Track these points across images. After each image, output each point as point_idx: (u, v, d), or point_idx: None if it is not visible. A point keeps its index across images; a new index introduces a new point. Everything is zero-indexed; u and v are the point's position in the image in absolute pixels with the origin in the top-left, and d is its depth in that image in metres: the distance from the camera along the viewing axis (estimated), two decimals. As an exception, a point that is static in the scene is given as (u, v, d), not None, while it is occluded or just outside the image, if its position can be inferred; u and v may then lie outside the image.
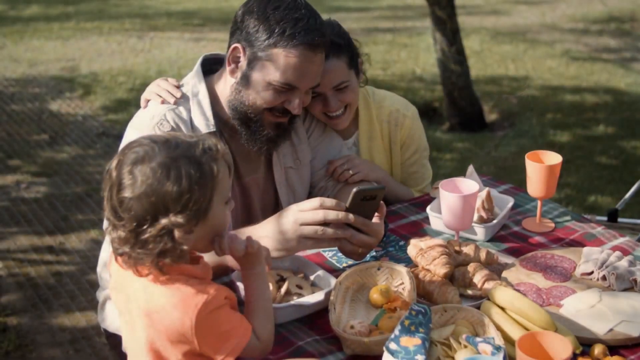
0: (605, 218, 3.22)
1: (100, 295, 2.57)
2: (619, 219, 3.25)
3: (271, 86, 2.29)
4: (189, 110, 2.39)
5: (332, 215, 2.11)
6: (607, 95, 7.61)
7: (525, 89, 7.76)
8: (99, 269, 2.52)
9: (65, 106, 7.43)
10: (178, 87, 2.47)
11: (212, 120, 2.38)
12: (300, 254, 2.37)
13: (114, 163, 1.71)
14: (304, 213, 2.12)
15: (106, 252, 2.41)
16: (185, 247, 1.71)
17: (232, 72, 2.35)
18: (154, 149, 1.68)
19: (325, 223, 2.13)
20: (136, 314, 1.79)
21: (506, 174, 5.55)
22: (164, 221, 1.66)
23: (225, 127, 2.45)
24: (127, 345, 1.88)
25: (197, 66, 2.47)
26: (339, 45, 2.54)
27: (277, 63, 2.26)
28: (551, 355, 1.69)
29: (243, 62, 2.32)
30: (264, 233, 2.15)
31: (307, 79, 2.32)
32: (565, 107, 7.31)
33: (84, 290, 4.29)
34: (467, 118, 6.88)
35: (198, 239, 1.76)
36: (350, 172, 2.64)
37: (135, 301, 1.78)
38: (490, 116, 7.23)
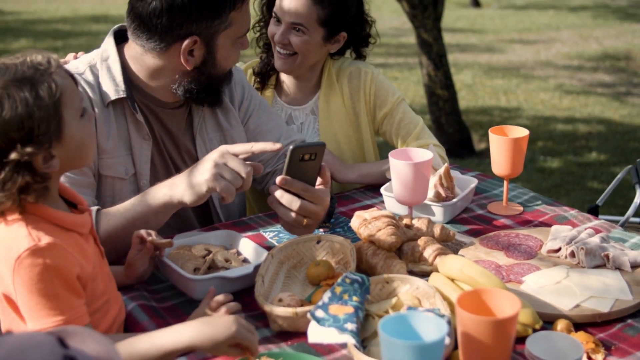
0: (585, 215, 2.96)
1: None
2: (600, 216, 3.00)
3: (237, 43, 2.24)
4: (96, 75, 2.22)
5: (259, 146, 1.95)
6: (600, 125, 7.39)
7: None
8: None
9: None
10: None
11: (122, 86, 2.21)
12: (239, 232, 2.13)
13: None
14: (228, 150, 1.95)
15: None
16: (49, 173, 1.53)
17: (187, 62, 2.18)
18: None
19: None
20: None
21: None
22: (13, 156, 1.48)
23: (139, 94, 2.27)
24: None
25: (110, 34, 2.30)
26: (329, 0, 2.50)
27: (238, 22, 2.20)
28: (495, 313, 1.42)
29: (200, 50, 2.16)
30: (179, 179, 1.99)
31: (250, 20, 2.30)
32: (557, 135, 7.09)
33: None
34: (455, 145, 6.64)
35: (64, 161, 1.56)
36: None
37: None
38: (480, 145, 7.01)
